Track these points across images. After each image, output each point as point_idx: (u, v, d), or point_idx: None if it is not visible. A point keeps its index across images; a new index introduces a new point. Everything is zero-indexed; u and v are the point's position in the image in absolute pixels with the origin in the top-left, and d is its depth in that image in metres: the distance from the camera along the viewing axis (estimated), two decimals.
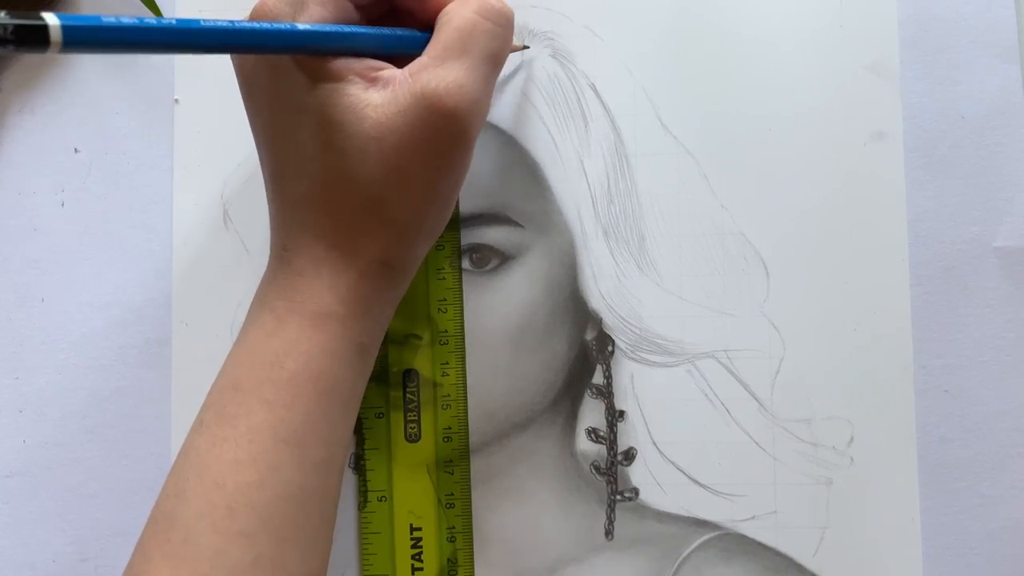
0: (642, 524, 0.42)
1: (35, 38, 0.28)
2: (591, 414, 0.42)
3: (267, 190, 0.37)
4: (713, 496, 0.42)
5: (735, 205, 0.43)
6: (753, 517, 0.41)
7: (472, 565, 0.42)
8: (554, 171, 0.43)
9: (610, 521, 0.42)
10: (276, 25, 0.33)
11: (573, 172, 0.43)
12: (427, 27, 0.36)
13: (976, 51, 0.43)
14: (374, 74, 0.34)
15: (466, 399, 0.42)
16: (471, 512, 0.42)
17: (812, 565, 0.41)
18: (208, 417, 0.35)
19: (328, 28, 0.34)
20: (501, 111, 0.43)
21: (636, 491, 0.42)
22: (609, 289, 0.42)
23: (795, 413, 0.42)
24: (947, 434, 0.42)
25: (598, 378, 0.42)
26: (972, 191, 0.42)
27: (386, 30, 0.36)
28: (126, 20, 0.29)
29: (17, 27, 0.27)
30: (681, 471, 0.42)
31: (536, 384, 0.42)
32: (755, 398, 0.42)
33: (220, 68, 0.44)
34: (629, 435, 0.42)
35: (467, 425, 0.42)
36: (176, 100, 0.44)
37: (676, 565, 0.41)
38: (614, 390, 0.42)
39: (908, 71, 0.43)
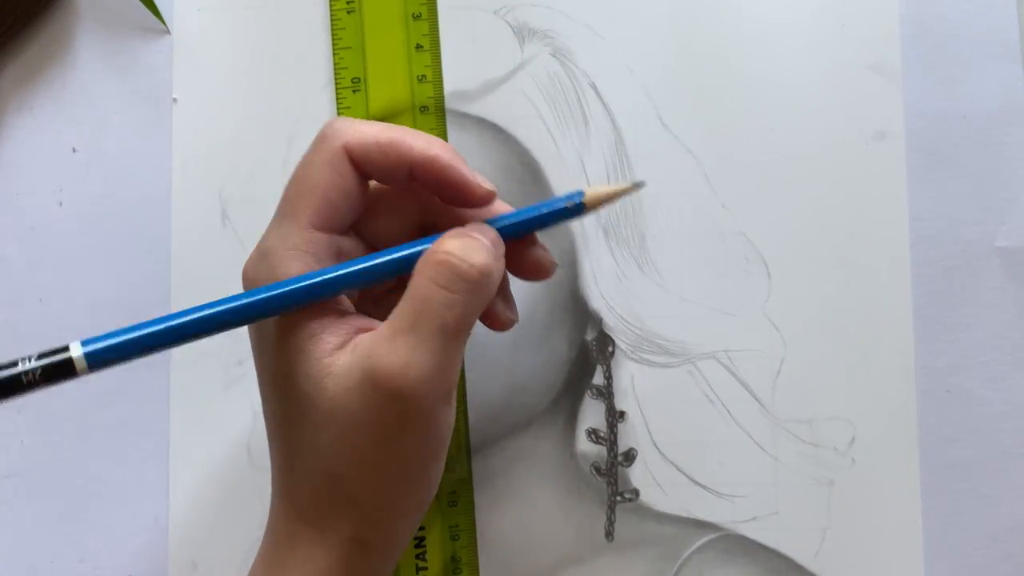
0: (643, 525, 0.41)
1: (62, 372, 0.29)
2: (591, 415, 0.42)
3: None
4: (714, 497, 0.41)
5: (736, 204, 0.42)
6: (754, 518, 0.41)
7: (476, 563, 0.41)
8: (554, 171, 0.43)
9: (610, 522, 0.42)
10: (263, 292, 0.32)
11: (573, 171, 0.43)
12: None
13: (978, 50, 0.42)
14: (349, 334, 0.32)
15: (465, 397, 0.42)
16: (473, 510, 0.42)
17: (813, 566, 0.41)
18: None
19: (309, 281, 0.32)
20: (501, 111, 0.43)
21: (636, 492, 0.42)
22: (609, 289, 0.42)
23: (796, 413, 0.42)
24: (949, 434, 0.41)
25: (598, 378, 0.42)
26: (974, 191, 0.42)
27: (361, 263, 0.33)
28: (141, 328, 0.31)
29: (45, 368, 0.29)
30: (682, 472, 0.42)
31: (536, 384, 0.42)
32: (756, 398, 0.42)
33: (219, 67, 0.44)
34: (629, 436, 0.42)
35: (467, 423, 0.42)
36: (174, 99, 0.44)
37: (677, 566, 0.41)
38: (614, 391, 0.42)
39: (910, 70, 0.43)
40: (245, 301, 0.32)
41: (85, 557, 0.42)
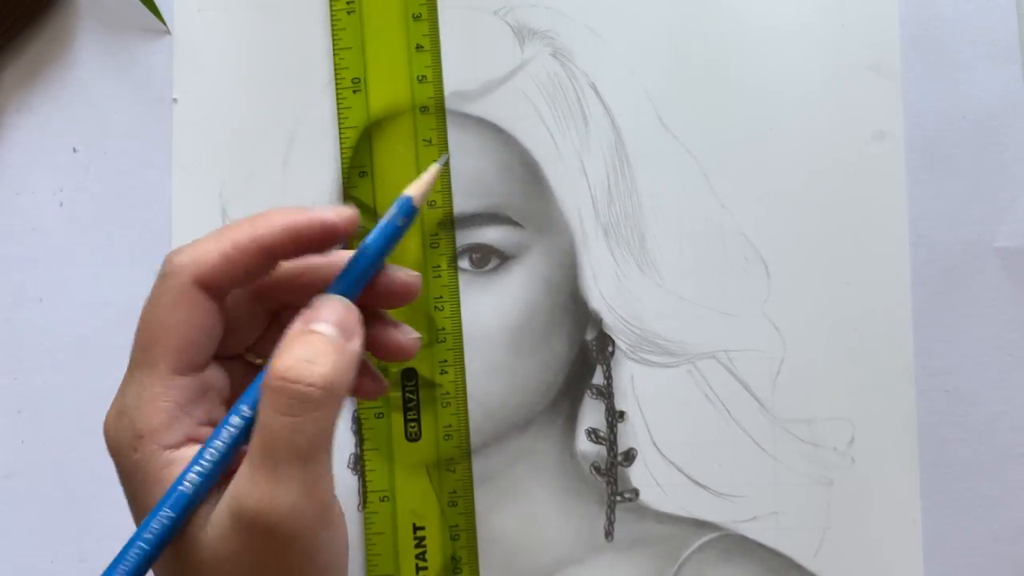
0: (642, 525, 0.41)
1: None
2: (591, 415, 0.42)
3: None
4: (714, 497, 0.41)
5: (736, 205, 0.42)
6: (754, 518, 0.41)
7: (476, 562, 0.42)
8: (554, 171, 0.43)
9: (610, 522, 0.42)
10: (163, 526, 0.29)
11: (573, 172, 0.43)
12: None
13: (977, 51, 0.42)
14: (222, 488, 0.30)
15: (465, 396, 0.42)
16: (474, 510, 0.42)
17: (813, 566, 0.41)
18: None
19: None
20: (501, 110, 0.43)
21: (636, 492, 0.42)
22: (609, 289, 0.42)
23: (796, 413, 0.42)
24: (948, 434, 0.41)
25: (598, 378, 0.42)
26: (973, 191, 0.42)
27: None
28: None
29: None
30: (681, 472, 0.42)
31: (536, 384, 0.42)
32: (756, 398, 0.42)
33: (219, 67, 0.44)
34: (629, 436, 0.42)
35: (467, 422, 0.42)
36: (174, 99, 0.44)
37: (677, 566, 0.41)
38: (614, 390, 0.42)
39: (909, 70, 0.42)
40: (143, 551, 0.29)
41: (86, 556, 0.42)
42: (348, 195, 0.43)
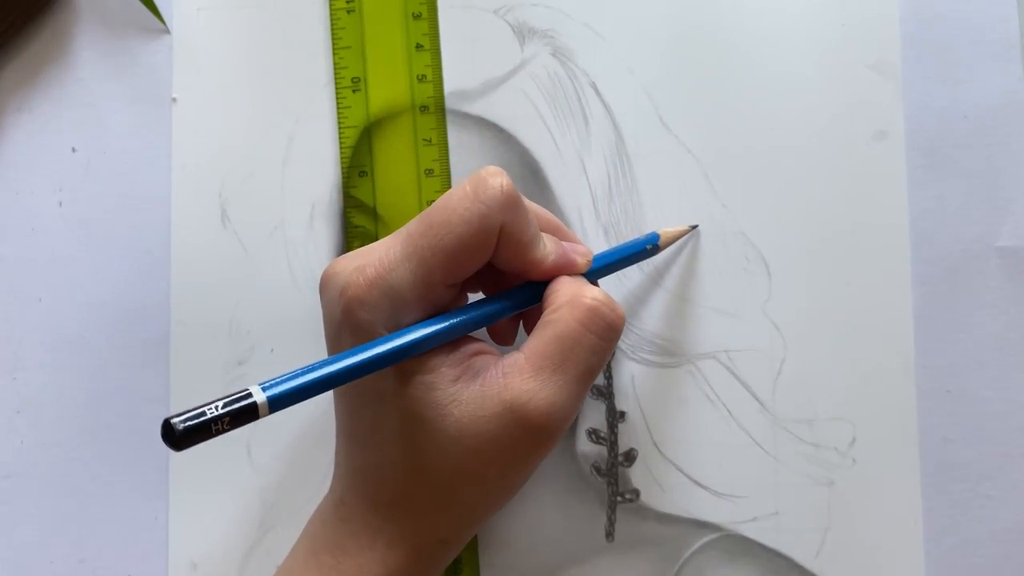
0: (643, 525, 0.41)
1: (247, 415, 0.30)
2: (592, 415, 0.42)
3: (336, 439, 0.37)
4: (714, 497, 0.41)
5: (736, 204, 0.42)
6: (754, 518, 0.41)
7: (476, 563, 0.41)
8: (554, 170, 0.43)
9: (611, 523, 0.41)
10: (417, 335, 0.33)
11: (573, 171, 0.43)
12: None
13: (978, 50, 0.42)
14: (466, 362, 0.34)
15: None
16: None
17: (814, 567, 0.41)
18: None
19: (441, 327, 0.34)
20: (501, 110, 0.43)
21: (637, 492, 0.42)
22: (610, 289, 0.42)
23: (797, 414, 0.42)
24: (949, 435, 0.41)
25: (598, 379, 0.42)
26: (974, 191, 0.42)
27: (484, 307, 0.35)
28: (316, 371, 0.31)
29: (233, 413, 0.30)
30: (682, 472, 0.42)
31: None
32: (756, 399, 0.42)
33: (219, 67, 0.44)
34: (630, 436, 0.42)
35: None
36: (174, 99, 0.44)
37: (677, 567, 0.41)
38: (615, 391, 0.42)
39: (910, 70, 0.42)
40: (403, 343, 0.33)
41: (85, 557, 0.42)
42: (348, 195, 0.43)
